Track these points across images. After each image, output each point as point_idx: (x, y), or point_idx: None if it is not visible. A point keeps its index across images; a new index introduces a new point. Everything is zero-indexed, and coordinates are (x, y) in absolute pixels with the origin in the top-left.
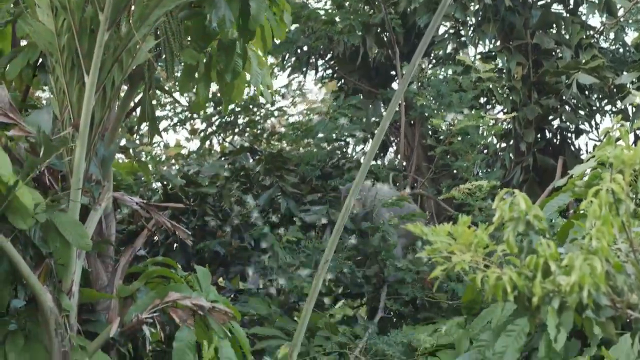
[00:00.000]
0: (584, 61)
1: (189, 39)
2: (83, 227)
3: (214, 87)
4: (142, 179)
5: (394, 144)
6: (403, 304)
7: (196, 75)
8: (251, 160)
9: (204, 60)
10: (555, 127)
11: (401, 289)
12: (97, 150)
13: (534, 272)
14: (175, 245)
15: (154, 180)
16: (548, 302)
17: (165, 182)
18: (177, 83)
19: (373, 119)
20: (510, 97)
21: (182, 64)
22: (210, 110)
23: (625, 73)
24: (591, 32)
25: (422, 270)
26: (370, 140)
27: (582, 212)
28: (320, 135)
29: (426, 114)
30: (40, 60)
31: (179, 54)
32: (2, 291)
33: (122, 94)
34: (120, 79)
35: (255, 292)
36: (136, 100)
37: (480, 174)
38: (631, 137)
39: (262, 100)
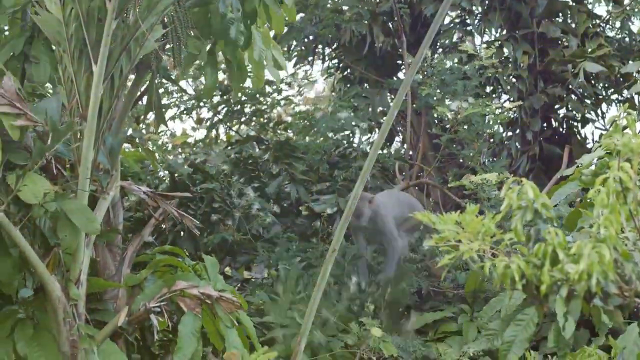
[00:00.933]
0: (590, 50)
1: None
2: (92, 212)
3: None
4: (150, 167)
5: (400, 133)
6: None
7: (198, 61)
8: (257, 150)
9: (207, 48)
10: (561, 116)
11: (405, 281)
12: (105, 139)
13: (542, 261)
14: (182, 233)
15: (161, 168)
16: (556, 290)
17: (172, 171)
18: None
19: (380, 108)
20: (516, 86)
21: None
22: (217, 98)
23: (631, 62)
24: (597, 21)
25: (425, 260)
26: (377, 129)
27: (589, 200)
28: (324, 126)
29: (431, 103)
30: None
31: (186, 42)
32: (12, 280)
33: (129, 83)
34: (128, 68)
35: (260, 282)
36: (142, 89)
37: (486, 162)
38: (638, 125)
39: (268, 89)
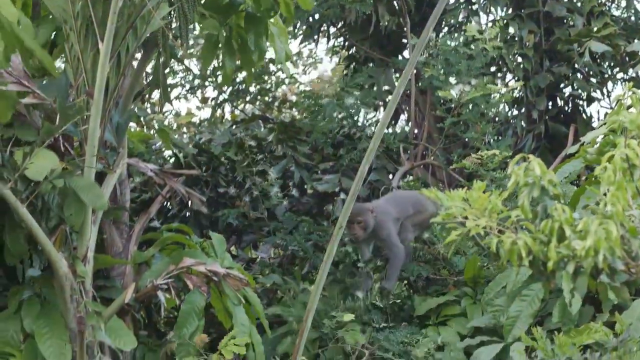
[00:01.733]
0: (595, 29)
1: (205, 11)
2: (99, 187)
3: None
4: (154, 147)
5: (405, 112)
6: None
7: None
8: (263, 129)
9: (224, 34)
10: (566, 94)
11: (407, 268)
12: (112, 117)
13: (549, 237)
14: (188, 214)
15: (164, 148)
16: (563, 266)
17: (177, 151)
18: (190, 51)
19: (385, 87)
20: (522, 65)
21: (202, 35)
22: (221, 78)
23: (637, 40)
24: (603, 0)
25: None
26: (382, 108)
27: (594, 178)
28: (330, 112)
29: (434, 84)
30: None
31: (199, 23)
32: (23, 253)
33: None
34: (135, 46)
35: (267, 262)
36: (147, 68)
37: (491, 142)
38: None
39: (272, 68)
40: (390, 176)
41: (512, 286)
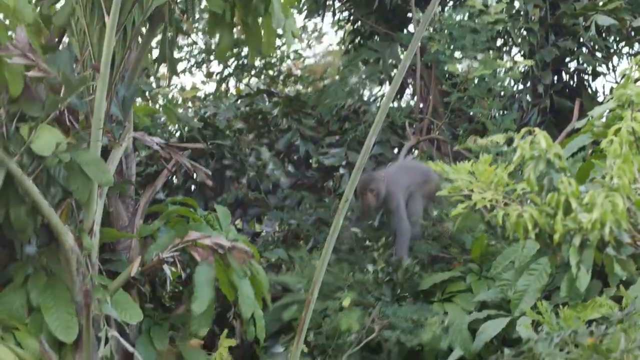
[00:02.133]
0: (601, 3)
1: None
2: (104, 163)
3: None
4: (159, 121)
5: (410, 86)
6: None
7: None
8: (267, 103)
9: (228, 9)
10: (572, 69)
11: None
12: (118, 91)
13: (555, 210)
14: (193, 188)
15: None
16: (569, 239)
17: (182, 125)
18: (195, 25)
19: (390, 61)
20: (527, 39)
21: (207, 11)
22: (215, 53)
23: None
24: None
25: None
26: (388, 83)
27: (601, 152)
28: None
29: (440, 59)
30: None
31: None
32: (26, 227)
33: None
34: (140, 20)
35: (271, 236)
36: (153, 42)
37: (496, 116)
38: None
39: (277, 42)
40: (395, 150)
41: (520, 261)
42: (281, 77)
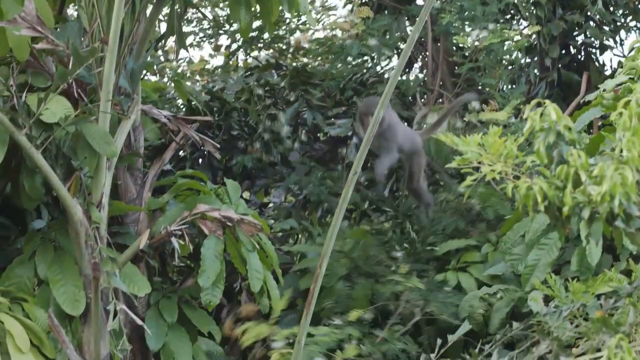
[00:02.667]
0: None
1: None
2: (110, 135)
3: None
4: (167, 95)
5: (419, 60)
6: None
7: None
8: (276, 77)
9: None
10: (579, 42)
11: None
12: (126, 63)
13: (565, 182)
14: (200, 160)
15: (176, 97)
16: (578, 212)
17: (190, 99)
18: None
19: (397, 34)
20: (535, 13)
21: None
22: (235, 26)
23: None
24: None
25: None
26: (396, 56)
27: (611, 125)
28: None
29: (451, 30)
30: None
31: None
32: (40, 197)
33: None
34: None
35: (279, 206)
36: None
37: (505, 89)
38: None
39: (287, 15)
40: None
41: (531, 235)
42: (290, 50)
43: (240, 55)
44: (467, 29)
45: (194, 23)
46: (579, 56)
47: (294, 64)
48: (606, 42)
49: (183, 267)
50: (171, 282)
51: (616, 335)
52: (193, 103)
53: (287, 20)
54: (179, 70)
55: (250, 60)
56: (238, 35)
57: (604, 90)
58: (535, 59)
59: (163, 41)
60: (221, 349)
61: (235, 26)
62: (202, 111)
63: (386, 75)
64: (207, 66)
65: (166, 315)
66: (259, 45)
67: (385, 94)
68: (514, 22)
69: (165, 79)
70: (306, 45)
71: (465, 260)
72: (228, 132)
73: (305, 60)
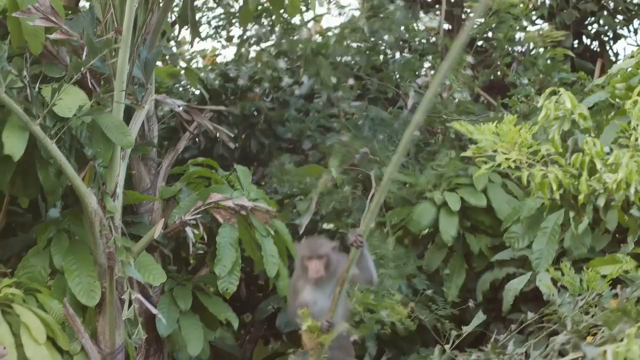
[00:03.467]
0: None
1: None
2: (126, 125)
3: None
4: (182, 82)
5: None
6: None
7: None
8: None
9: None
10: (593, 31)
11: None
12: (140, 53)
13: (580, 170)
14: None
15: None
16: (594, 200)
17: (203, 86)
18: None
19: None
20: (547, 2)
21: None
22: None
23: None
24: None
25: None
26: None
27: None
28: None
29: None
30: None
31: None
32: (55, 188)
33: None
34: None
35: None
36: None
37: (518, 72)
38: None
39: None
40: None
41: (526, 212)
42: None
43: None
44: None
45: (206, 13)
46: (592, 46)
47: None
48: (620, 31)
49: (199, 254)
50: (186, 271)
51: (636, 324)
52: (204, 89)
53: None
54: (192, 61)
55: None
56: (250, 25)
57: (612, 73)
58: (548, 47)
59: (176, 31)
60: (234, 342)
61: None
62: (216, 91)
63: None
64: (219, 58)
65: (180, 302)
66: (271, 37)
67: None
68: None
69: (179, 68)
70: (318, 38)
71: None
72: (242, 113)
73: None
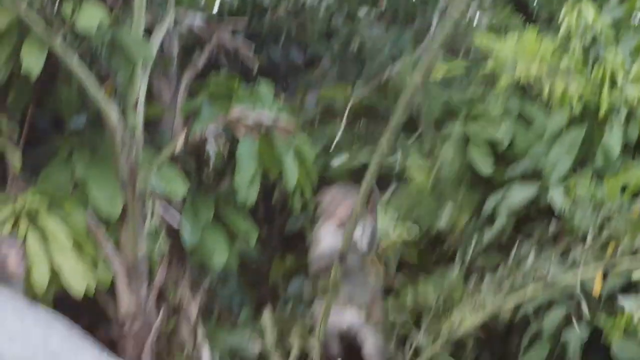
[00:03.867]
0: None
1: None
2: (145, 40)
3: None
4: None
5: None
6: None
7: None
8: None
9: None
10: None
11: None
12: None
13: (601, 83)
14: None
15: None
16: (615, 113)
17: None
18: None
19: None
20: None
21: None
22: None
23: None
24: None
25: None
26: None
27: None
28: None
29: None
30: None
31: None
32: (76, 110)
33: None
34: None
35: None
36: None
37: None
38: None
39: None
40: None
41: (549, 131)
42: None
43: None
44: None
45: None
46: None
47: None
48: None
49: (219, 169)
50: (207, 184)
51: None
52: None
53: None
54: None
55: None
56: None
57: None
58: None
59: None
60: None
61: None
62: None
63: None
64: None
65: (202, 213)
66: None
67: None
68: None
69: None
70: None
71: None
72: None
73: None
